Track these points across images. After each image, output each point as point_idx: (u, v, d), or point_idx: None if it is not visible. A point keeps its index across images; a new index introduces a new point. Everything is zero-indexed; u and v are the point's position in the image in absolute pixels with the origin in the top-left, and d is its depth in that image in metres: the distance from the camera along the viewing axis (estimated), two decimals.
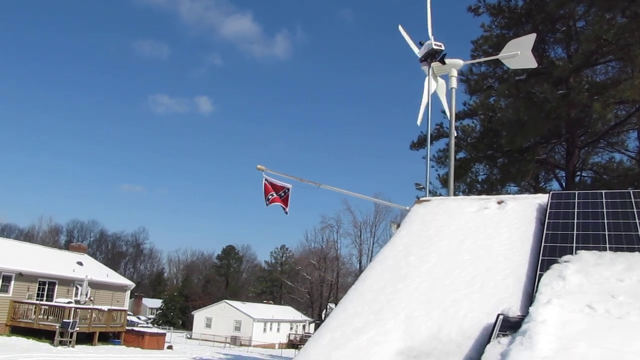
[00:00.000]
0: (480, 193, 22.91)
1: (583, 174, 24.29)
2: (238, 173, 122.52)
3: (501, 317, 3.77)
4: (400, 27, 10.23)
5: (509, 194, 23.93)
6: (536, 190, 23.62)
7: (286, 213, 6.78)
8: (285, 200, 6.70)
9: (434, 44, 9.00)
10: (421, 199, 6.21)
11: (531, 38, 9.35)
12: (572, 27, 22.13)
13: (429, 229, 5.41)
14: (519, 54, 9.16)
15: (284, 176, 6.83)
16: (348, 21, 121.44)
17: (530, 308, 3.65)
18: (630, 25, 17.10)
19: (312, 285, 77.89)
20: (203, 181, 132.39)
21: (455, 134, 23.46)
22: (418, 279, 4.50)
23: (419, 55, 9.21)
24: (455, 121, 23.82)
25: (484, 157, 22.67)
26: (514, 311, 3.86)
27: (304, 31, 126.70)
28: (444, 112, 10.77)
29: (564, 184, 22.74)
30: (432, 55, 8.99)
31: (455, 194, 25.07)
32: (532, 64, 9.33)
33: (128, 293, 38.47)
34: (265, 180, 6.69)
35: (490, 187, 23.03)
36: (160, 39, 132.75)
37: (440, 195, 22.45)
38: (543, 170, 24.06)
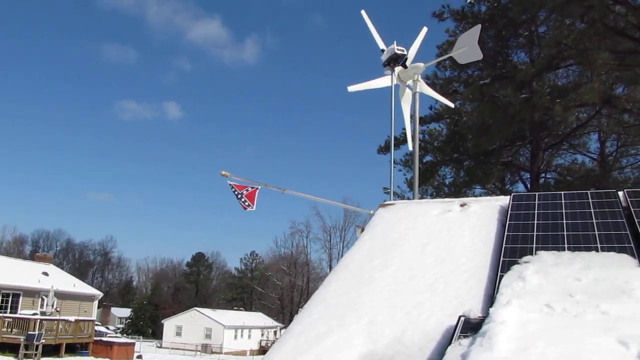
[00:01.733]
0: (447, 196, 23.19)
1: (547, 176, 24.81)
2: (207, 179, 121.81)
3: (462, 318, 3.82)
4: (363, 13, 10.30)
5: (475, 196, 24.25)
6: (502, 192, 24.02)
7: (247, 208, 6.75)
8: (251, 196, 6.69)
9: (396, 48, 9.12)
10: (385, 202, 6.27)
11: (476, 30, 9.54)
12: (534, 32, 22.60)
13: (392, 232, 5.46)
14: (466, 48, 9.32)
15: (249, 182, 6.83)
16: (318, 26, 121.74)
17: (490, 309, 3.70)
18: (589, 30, 17.52)
19: (283, 290, 77.79)
20: (172, 188, 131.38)
21: (421, 138, 23.77)
22: (382, 283, 4.54)
23: (382, 60, 9.32)
24: (422, 125, 24.18)
25: (451, 160, 22.97)
26: (475, 312, 3.91)
27: (274, 36, 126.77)
28: (412, 116, 10.92)
29: (529, 185, 23.16)
30: (395, 60, 9.10)
31: (422, 197, 25.42)
32: (478, 55, 9.53)
33: (96, 303, 37.90)
34: (230, 184, 6.67)
35: (457, 190, 23.34)
36: (126, 43, 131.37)
37: (408, 198, 22.68)
38: (508, 172, 24.49)
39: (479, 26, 9.79)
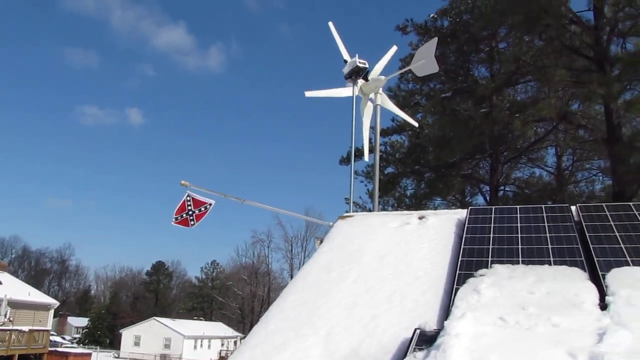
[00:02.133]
0: (408, 207, 23.43)
1: (506, 189, 25.22)
2: (168, 187, 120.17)
3: (418, 331, 3.86)
4: (330, 24, 10.38)
5: (436, 208, 24.56)
6: (462, 204, 24.37)
7: (188, 225, 6.69)
8: (200, 216, 6.62)
9: (358, 61, 9.18)
10: (344, 215, 6.30)
11: (433, 43, 9.68)
12: (494, 48, 23.04)
13: (351, 244, 5.49)
14: (424, 61, 9.45)
15: (208, 192, 6.78)
16: (283, 35, 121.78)
17: (445, 322, 3.75)
18: (547, 48, 17.98)
19: (244, 300, 77.24)
20: (132, 195, 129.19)
21: (383, 150, 23.97)
22: (339, 295, 4.55)
23: (344, 72, 9.38)
24: (384, 137, 24.38)
25: (412, 172, 23.20)
26: (431, 325, 3.96)
27: (239, 44, 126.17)
28: (373, 127, 10.99)
29: (488, 197, 23.52)
30: (357, 73, 9.16)
31: (384, 209, 25.59)
32: (434, 68, 9.64)
33: (52, 312, 37.01)
34: (188, 195, 6.61)
35: (418, 201, 23.56)
36: (90, 47, 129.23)
37: (370, 209, 22.82)
38: (468, 184, 24.83)
39: (435, 39, 9.95)
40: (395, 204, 25.18)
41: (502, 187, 24.40)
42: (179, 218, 6.59)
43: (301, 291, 4.73)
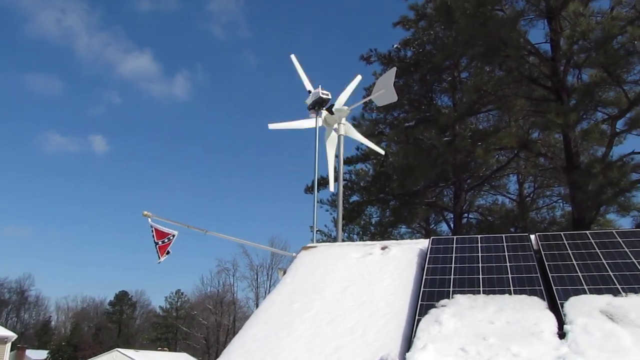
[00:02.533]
0: (373, 235, 23.53)
1: (470, 216, 25.53)
2: (131, 216, 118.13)
3: None
4: (293, 57, 10.48)
5: (401, 235, 24.72)
6: (427, 231, 24.58)
7: (158, 261, 6.61)
8: (164, 247, 6.55)
9: (321, 92, 9.27)
10: (308, 245, 6.29)
11: (392, 73, 9.83)
12: (456, 77, 23.53)
13: (314, 275, 5.48)
14: (383, 91, 9.58)
15: (171, 222, 6.73)
16: (249, 63, 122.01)
17: (407, 353, 3.77)
18: (507, 78, 18.44)
19: (209, 330, 76.03)
20: (95, 223, 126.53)
21: (348, 178, 24.10)
22: (302, 327, 4.53)
23: (308, 103, 9.46)
24: (349, 165, 24.45)
25: (377, 200, 23.36)
26: (393, 357, 3.96)
27: (205, 72, 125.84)
28: (337, 156, 11.05)
29: (452, 225, 23.77)
30: (320, 104, 9.25)
31: (349, 237, 25.62)
32: (393, 98, 9.77)
33: (9, 345, 35.85)
34: (151, 226, 6.55)
35: (383, 229, 23.69)
36: (53, 73, 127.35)
37: (335, 238, 22.82)
38: (433, 212, 25.07)
39: (394, 69, 10.12)
40: (361, 232, 25.30)
41: (465, 215, 24.72)
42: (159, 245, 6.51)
43: (263, 324, 4.69)
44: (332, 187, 10.15)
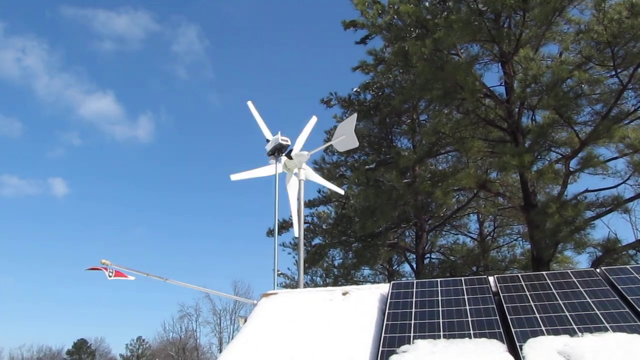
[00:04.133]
0: (336, 277, 23.47)
1: (432, 256, 25.71)
2: (91, 260, 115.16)
3: None
4: (249, 104, 10.56)
5: (364, 277, 24.71)
6: (389, 273, 24.63)
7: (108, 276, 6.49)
8: (119, 274, 6.44)
9: (280, 139, 9.35)
10: (268, 292, 6.24)
11: (353, 119, 9.99)
12: (415, 120, 23.98)
13: (274, 323, 5.42)
14: (344, 137, 9.71)
15: (131, 271, 6.61)
16: (213, 105, 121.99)
17: None
18: (464, 120, 18.88)
19: None
20: (52, 268, 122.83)
21: (310, 221, 24.10)
22: None
23: (267, 149, 9.51)
24: (311, 208, 24.46)
25: (339, 243, 23.38)
26: None
27: (169, 114, 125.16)
28: (298, 200, 11.08)
29: (414, 265, 23.89)
30: (280, 150, 9.32)
31: (312, 279, 25.41)
32: (354, 143, 9.92)
33: None
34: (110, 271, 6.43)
35: (346, 272, 23.68)
36: (12, 115, 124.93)
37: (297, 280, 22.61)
38: (395, 253, 25.19)
39: (354, 115, 10.29)
40: (324, 275, 25.24)
41: (428, 255, 24.90)
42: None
43: None
44: (296, 231, 10.13)
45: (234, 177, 9.51)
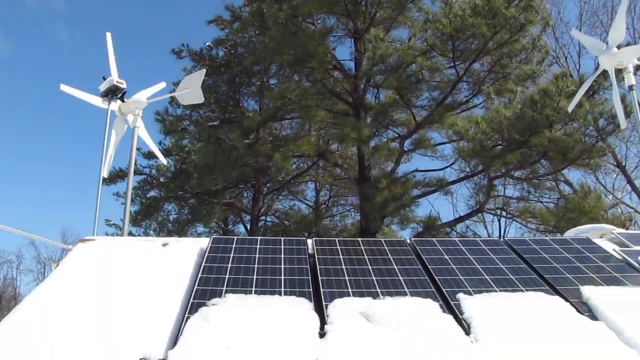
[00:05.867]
0: (170, 232, 23.11)
1: (267, 219, 26.08)
2: None
3: None
4: (108, 36, 9.82)
5: (198, 234, 24.53)
6: (224, 232, 24.67)
7: None
8: None
9: (116, 80, 8.88)
10: (86, 238, 5.98)
11: (201, 74, 9.83)
12: (265, 83, 23.97)
13: (87, 269, 5.21)
14: (189, 90, 9.52)
15: None
16: (60, 38, 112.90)
17: (169, 351, 3.74)
18: (312, 89, 19.22)
19: None
20: None
21: (148, 173, 23.40)
22: (64, 326, 4.28)
23: (100, 90, 9.00)
24: (150, 159, 23.70)
25: (175, 197, 22.96)
26: (156, 355, 3.90)
27: (8, 41, 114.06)
28: (139, 149, 10.66)
29: (249, 227, 24.13)
30: (114, 92, 8.85)
31: (145, 232, 24.78)
32: (200, 99, 9.78)
33: None
34: None
35: (181, 227, 23.36)
36: None
37: (131, 233, 21.99)
38: (231, 213, 25.23)
39: (203, 71, 10.07)
40: (158, 229, 24.68)
41: (263, 218, 25.24)
42: None
43: (24, 322, 4.35)
44: (105, 173, 9.47)
45: (64, 88, 8.88)
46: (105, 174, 9.07)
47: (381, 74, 18.12)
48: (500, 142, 17.08)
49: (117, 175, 22.77)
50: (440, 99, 18.60)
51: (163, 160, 13.75)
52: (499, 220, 28.36)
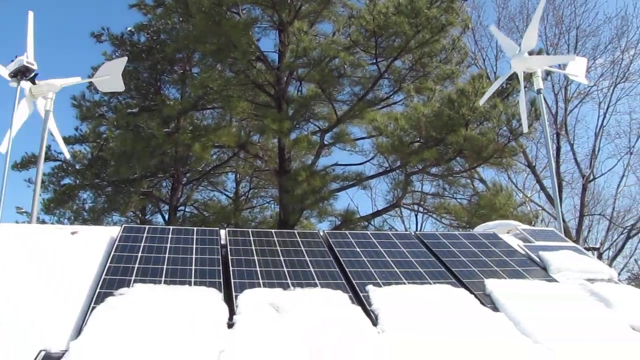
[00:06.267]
0: (85, 221, 22.47)
1: (186, 209, 25.72)
2: None
3: (43, 353, 3.71)
4: (30, 15, 9.34)
5: (114, 223, 23.91)
6: (142, 222, 24.16)
7: None
8: None
9: (26, 61, 8.49)
10: None
11: (122, 61, 9.61)
12: (187, 71, 23.57)
13: None
14: (109, 77, 9.28)
15: None
16: None
17: (71, 342, 3.68)
18: (234, 80, 19.08)
19: None
20: None
21: (62, 159, 22.59)
22: None
23: (8, 70, 8.57)
24: (66, 145, 22.96)
25: (91, 185, 22.28)
26: (59, 346, 3.83)
27: None
28: (52, 134, 10.27)
29: (166, 217, 23.74)
30: (23, 73, 8.46)
31: (59, 221, 23.94)
32: (120, 87, 9.57)
33: None
34: None
35: (96, 216, 22.74)
36: None
37: (43, 221, 21.18)
38: (149, 202, 24.73)
39: (125, 58, 9.84)
40: (73, 218, 23.89)
41: (181, 208, 24.87)
42: None
43: None
44: (3, 149, 8.96)
45: None
46: (2, 149, 8.55)
47: (304, 67, 18.20)
48: (418, 139, 17.51)
49: (29, 161, 21.86)
50: (362, 94, 18.89)
51: (67, 154, 13.32)
52: (415, 216, 29.23)
